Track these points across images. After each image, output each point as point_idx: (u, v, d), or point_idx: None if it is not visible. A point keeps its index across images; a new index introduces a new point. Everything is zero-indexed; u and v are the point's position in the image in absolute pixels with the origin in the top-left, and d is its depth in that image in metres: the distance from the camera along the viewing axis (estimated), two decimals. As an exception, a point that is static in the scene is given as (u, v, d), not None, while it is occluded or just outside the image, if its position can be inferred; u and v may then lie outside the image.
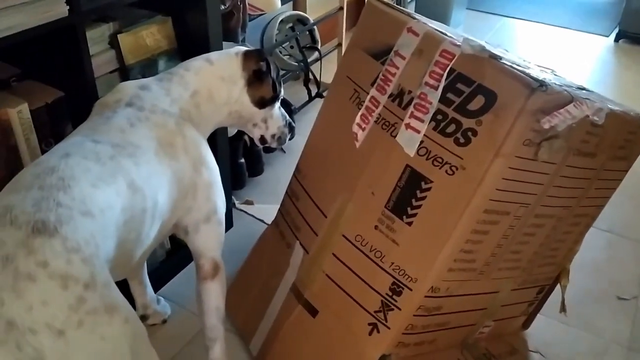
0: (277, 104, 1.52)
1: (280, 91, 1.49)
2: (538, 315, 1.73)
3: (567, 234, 1.48)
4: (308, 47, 2.82)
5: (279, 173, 2.30)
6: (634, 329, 1.83)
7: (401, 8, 1.46)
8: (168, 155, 1.21)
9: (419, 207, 1.26)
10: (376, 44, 1.39)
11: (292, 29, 2.79)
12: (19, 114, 1.34)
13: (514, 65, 1.17)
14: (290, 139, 1.58)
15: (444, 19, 3.69)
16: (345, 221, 1.41)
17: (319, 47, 2.84)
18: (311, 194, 1.54)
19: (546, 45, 3.84)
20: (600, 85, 3.19)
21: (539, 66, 1.39)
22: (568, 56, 3.67)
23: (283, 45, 2.77)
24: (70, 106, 1.43)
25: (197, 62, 1.38)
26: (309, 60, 2.71)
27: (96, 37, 1.49)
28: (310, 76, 2.71)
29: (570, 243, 1.53)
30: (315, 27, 2.82)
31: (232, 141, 2.02)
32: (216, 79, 1.38)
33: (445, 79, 1.21)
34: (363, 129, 1.39)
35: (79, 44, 1.39)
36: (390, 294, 1.32)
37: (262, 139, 1.52)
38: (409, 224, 1.28)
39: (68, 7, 1.31)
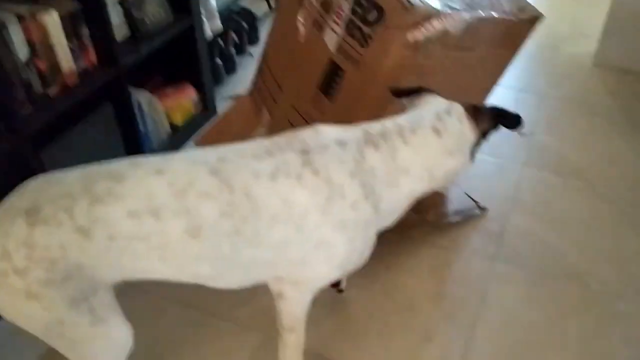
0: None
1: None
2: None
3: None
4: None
5: (249, 73, 2.43)
6: (529, 153, 2.30)
7: None
8: (287, 224, 1.17)
9: (337, 88, 1.68)
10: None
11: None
12: (52, 22, 1.74)
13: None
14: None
15: None
16: (294, 95, 1.84)
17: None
18: (273, 73, 1.96)
19: None
20: None
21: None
22: None
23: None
24: (86, 15, 1.82)
25: (424, 133, 1.25)
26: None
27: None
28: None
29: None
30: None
31: (209, 45, 2.39)
32: (441, 155, 1.27)
33: (353, -5, 1.56)
34: (304, 26, 1.76)
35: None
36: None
37: None
38: (332, 101, 1.70)
39: None
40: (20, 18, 1.66)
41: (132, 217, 1.07)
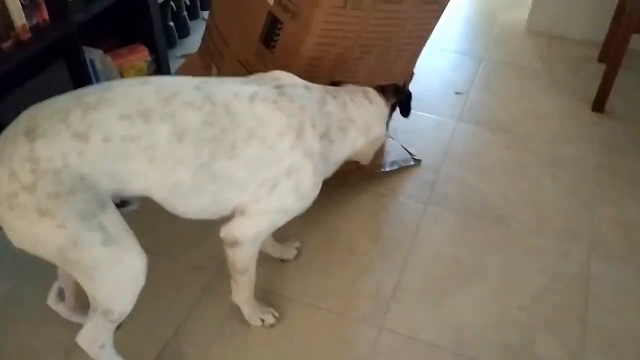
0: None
1: None
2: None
3: (397, 58, 1.99)
4: None
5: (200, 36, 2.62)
6: (463, 111, 2.47)
7: None
8: (263, 143, 1.29)
9: (277, 40, 1.78)
10: None
11: None
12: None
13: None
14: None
15: None
16: (239, 49, 1.94)
17: None
18: (220, 30, 2.05)
19: None
20: None
21: None
22: None
23: None
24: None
25: (359, 97, 1.52)
26: None
27: None
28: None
29: (402, 64, 2.05)
30: None
31: (162, 8, 2.46)
32: (371, 116, 1.54)
33: (288, -50, 1.67)
34: (245, -18, 1.86)
35: None
36: (266, 100, 1.89)
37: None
38: (272, 52, 1.81)
39: None
40: None
41: (123, 119, 1.15)
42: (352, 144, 1.50)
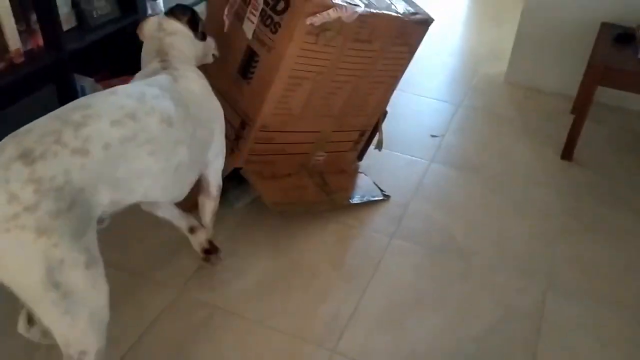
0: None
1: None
2: (373, 151, 2.38)
3: (369, 95, 2.08)
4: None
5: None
6: (437, 152, 2.54)
7: None
8: (203, 106, 1.56)
9: (253, 72, 1.88)
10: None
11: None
12: (3, 2, 1.91)
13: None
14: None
15: None
16: (217, 80, 2.01)
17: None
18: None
19: None
20: (468, 5, 4.13)
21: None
22: None
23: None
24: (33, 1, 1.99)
25: (169, 38, 1.64)
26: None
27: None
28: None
29: (374, 102, 2.13)
30: None
31: None
32: (184, 43, 1.67)
33: (265, -12, 1.78)
34: (228, 18, 1.96)
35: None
36: (240, 128, 1.96)
37: (213, 56, 1.87)
38: (248, 83, 1.90)
39: None
40: (-29, -3, 1.83)
41: (115, 125, 1.25)
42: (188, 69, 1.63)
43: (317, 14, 1.67)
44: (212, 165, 1.72)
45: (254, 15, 1.83)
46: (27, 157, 1.11)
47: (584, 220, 2.21)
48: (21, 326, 1.46)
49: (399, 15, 1.89)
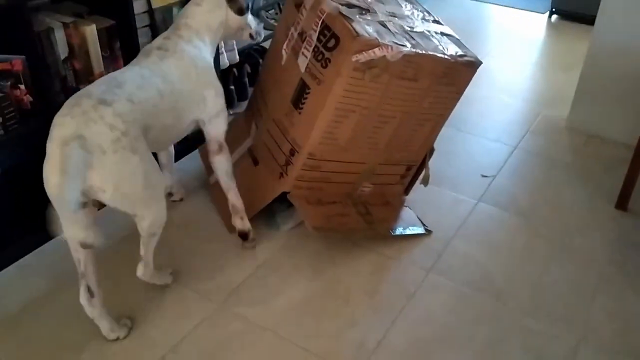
0: (249, 14, 2.07)
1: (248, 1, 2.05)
2: (420, 186, 2.41)
3: (415, 131, 2.13)
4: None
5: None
6: (486, 192, 2.54)
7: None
8: (188, 79, 1.83)
9: (304, 103, 1.98)
10: (297, -1, 2.07)
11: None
12: (91, 32, 2.13)
13: (360, 21, 1.82)
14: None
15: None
16: (273, 109, 2.15)
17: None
18: (263, 91, 2.29)
19: (496, 20, 4.55)
20: (536, 49, 4.07)
21: (399, 23, 2.01)
22: (513, 29, 4.35)
23: (268, 11, 3.32)
24: (118, 29, 2.20)
25: (192, 8, 1.95)
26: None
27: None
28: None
29: (421, 138, 2.18)
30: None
31: (224, 73, 2.75)
32: (207, 13, 1.96)
33: (319, 27, 1.88)
34: (286, 52, 2.09)
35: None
36: (289, 154, 2.06)
37: (250, 36, 2.14)
38: (299, 113, 2.00)
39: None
40: (65, 25, 2.05)
41: (139, 88, 1.66)
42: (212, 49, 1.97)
43: (363, 52, 1.76)
44: (209, 124, 1.94)
45: (308, 50, 1.94)
46: (104, 102, 1.53)
47: (628, 273, 2.14)
48: (83, 298, 1.68)
49: (445, 56, 1.94)
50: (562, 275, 2.12)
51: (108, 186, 1.51)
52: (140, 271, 1.80)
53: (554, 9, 4.44)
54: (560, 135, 2.97)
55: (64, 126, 1.47)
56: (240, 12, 2.01)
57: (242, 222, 2.12)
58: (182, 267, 2.06)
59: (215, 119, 1.95)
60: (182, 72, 1.82)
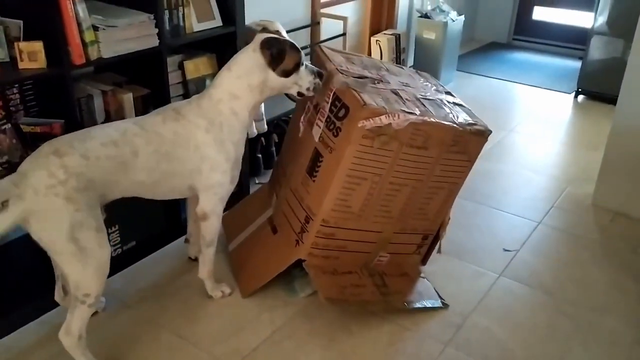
0: (302, 67, 1.84)
1: (300, 58, 1.82)
2: (440, 257, 2.30)
3: (429, 199, 2.06)
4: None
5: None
6: (507, 267, 2.40)
7: (345, 52, 2.12)
8: (183, 147, 1.80)
9: (318, 171, 1.96)
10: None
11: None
12: (128, 99, 2.20)
13: (370, 91, 1.81)
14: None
15: (435, 77, 4.53)
16: (291, 179, 2.13)
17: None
18: (283, 162, 2.29)
19: (523, 99, 4.47)
20: (562, 127, 3.97)
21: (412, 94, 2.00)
22: (540, 107, 4.27)
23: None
24: (152, 98, 2.27)
25: (221, 74, 1.85)
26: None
27: (171, 61, 2.33)
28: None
29: (435, 206, 2.10)
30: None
31: (252, 142, 2.78)
32: (235, 80, 1.81)
33: (331, 98, 1.89)
34: (303, 125, 2.10)
35: (162, 64, 2.23)
36: (305, 222, 2.02)
37: (299, 94, 1.89)
38: (314, 181, 1.97)
39: (158, 41, 2.13)
40: (104, 93, 2.14)
41: (104, 145, 1.67)
42: (235, 118, 1.85)
43: (370, 119, 1.74)
44: (200, 194, 1.92)
45: (321, 121, 1.94)
46: (57, 152, 1.59)
47: (657, 355, 1.94)
48: (57, 295, 1.90)
49: (454, 124, 1.89)
50: (586, 356, 1.95)
51: (33, 220, 1.54)
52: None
53: (580, 89, 4.36)
54: (585, 213, 2.82)
55: (25, 161, 1.62)
56: (286, 74, 1.82)
57: (212, 283, 2.11)
58: (198, 329, 1.99)
59: (205, 192, 1.91)
60: (181, 139, 1.80)
